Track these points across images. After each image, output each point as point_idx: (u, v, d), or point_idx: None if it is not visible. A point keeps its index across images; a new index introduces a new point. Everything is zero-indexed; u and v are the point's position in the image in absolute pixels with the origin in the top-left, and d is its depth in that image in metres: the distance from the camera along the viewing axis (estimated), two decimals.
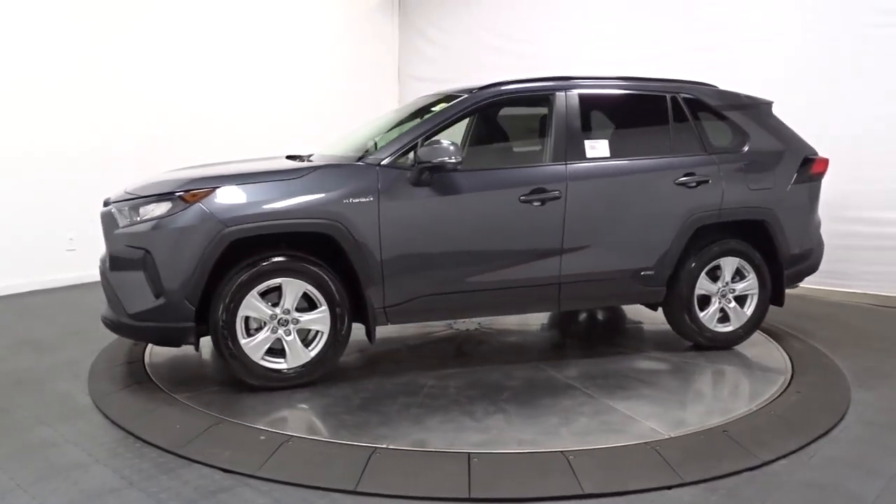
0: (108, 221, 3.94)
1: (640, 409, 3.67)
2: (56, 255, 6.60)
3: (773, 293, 4.73)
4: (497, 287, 4.18)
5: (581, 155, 4.27)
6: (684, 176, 4.42)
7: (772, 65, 6.42)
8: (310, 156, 4.54)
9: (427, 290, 4.07)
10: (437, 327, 5.18)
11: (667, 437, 3.33)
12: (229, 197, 3.75)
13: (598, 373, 4.21)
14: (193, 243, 3.67)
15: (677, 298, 4.53)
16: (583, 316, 5.64)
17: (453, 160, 3.87)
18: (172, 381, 3.99)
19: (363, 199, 3.87)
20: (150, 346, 4.56)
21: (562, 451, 3.14)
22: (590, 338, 5.21)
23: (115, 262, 3.89)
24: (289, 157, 4.58)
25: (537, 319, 5.45)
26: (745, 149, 4.63)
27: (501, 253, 4.17)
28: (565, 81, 4.48)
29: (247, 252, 3.78)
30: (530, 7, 8.24)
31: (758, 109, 4.78)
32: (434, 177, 3.97)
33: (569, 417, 3.55)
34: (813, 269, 4.96)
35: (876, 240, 6.01)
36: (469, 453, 3.11)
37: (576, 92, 4.39)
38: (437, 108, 4.46)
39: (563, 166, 4.23)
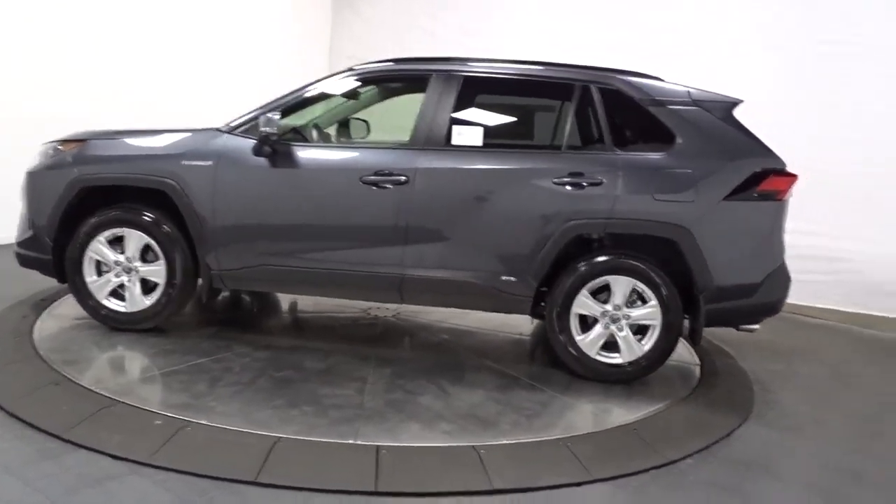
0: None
1: (553, 406, 3.65)
2: None
3: (690, 328, 4.08)
4: (335, 268, 4.06)
5: (443, 141, 4.01)
6: (568, 176, 3.89)
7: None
8: None
9: (262, 261, 4.09)
10: (354, 311, 5.06)
11: (579, 433, 3.32)
12: (92, 149, 4.18)
13: (514, 368, 4.17)
14: (54, 185, 4.14)
15: (550, 315, 4.02)
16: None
17: (269, 130, 3.88)
18: (62, 359, 3.70)
19: (202, 163, 4.04)
20: (38, 320, 4.27)
21: (473, 446, 3.07)
22: (515, 332, 5.16)
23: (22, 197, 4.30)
24: None
25: (461, 314, 5.35)
26: (665, 152, 3.94)
27: (338, 233, 4.05)
28: (453, 63, 4.23)
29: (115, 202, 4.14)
30: None
31: (705, 109, 4.00)
32: (276, 149, 4.02)
33: (482, 412, 3.49)
34: (768, 309, 4.03)
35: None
36: (378, 446, 3.00)
37: (460, 75, 4.13)
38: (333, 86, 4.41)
39: (417, 151, 4.01)
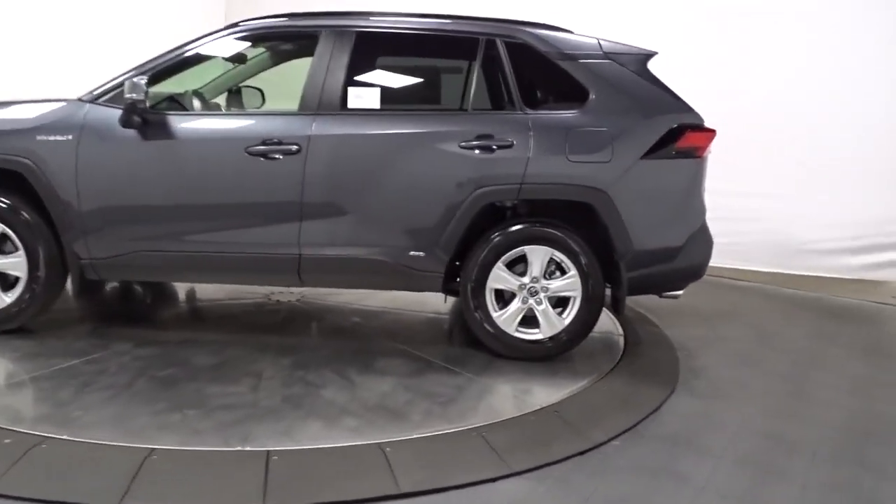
0: None
1: (469, 391, 3.36)
2: None
3: (612, 298, 3.87)
4: (222, 251, 3.65)
5: (339, 105, 3.63)
6: (476, 139, 3.57)
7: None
8: None
9: (137, 247, 3.66)
10: (257, 297, 4.64)
11: (497, 420, 3.03)
12: None
13: (429, 351, 3.85)
14: None
15: (464, 291, 3.72)
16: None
17: (135, 96, 3.43)
18: None
19: (60, 138, 3.55)
20: None
21: (379, 444, 2.74)
22: (431, 311, 4.80)
23: None
24: None
25: (371, 294, 4.96)
26: (578, 110, 3.65)
27: (223, 212, 3.63)
28: (345, 18, 3.83)
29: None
30: None
31: (618, 62, 3.72)
32: (147, 119, 3.58)
33: (392, 403, 3.16)
34: (690, 273, 3.82)
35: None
36: (269, 451, 2.63)
37: (353, 31, 3.72)
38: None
39: (309, 117, 3.60)
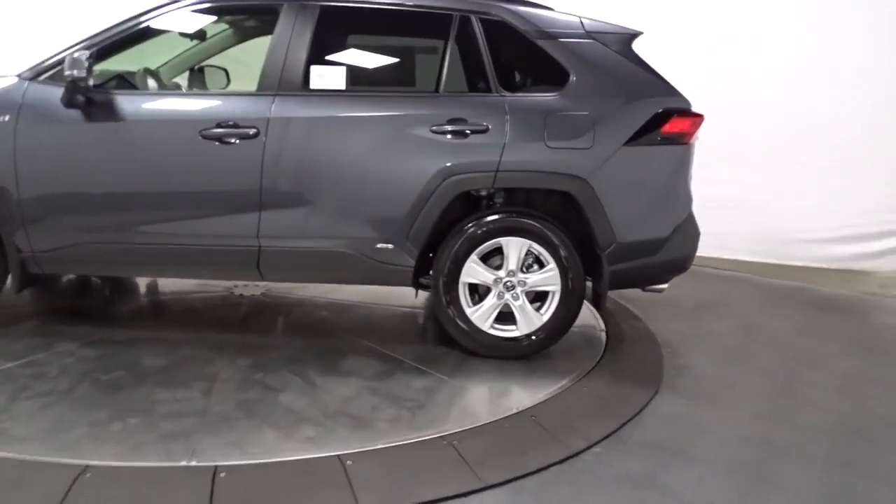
0: None
1: (440, 394, 3.13)
2: None
3: (593, 292, 3.66)
4: (177, 242, 3.39)
5: (300, 85, 3.36)
6: (448, 123, 3.33)
7: None
8: None
9: (83, 238, 3.39)
10: (219, 290, 4.38)
11: (468, 427, 2.80)
12: None
13: (398, 349, 3.61)
14: None
15: (436, 285, 3.49)
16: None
17: (77, 73, 3.14)
18: None
19: None
20: None
21: (338, 456, 2.51)
22: (405, 304, 4.54)
23: None
24: None
25: (342, 287, 4.63)
26: (557, 93, 3.41)
27: (177, 200, 3.36)
28: None
29: None
30: None
31: (601, 42, 3.49)
32: (92, 99, 3.30)
33: (356, 408, 2.92)
34: (676, 266, 3.59)
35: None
36: (217, 466, 2.39)
37: (316, 4, 3.44)
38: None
39: (269, 98, 3.33)
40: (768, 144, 5.99)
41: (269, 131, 3.28)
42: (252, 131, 3.28)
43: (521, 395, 3.16)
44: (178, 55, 4.32)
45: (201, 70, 4.42)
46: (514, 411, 2.97)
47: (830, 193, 5.89)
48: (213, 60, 4.46)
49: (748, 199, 6.03)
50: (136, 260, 3.49)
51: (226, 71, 4.50)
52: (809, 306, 5.14)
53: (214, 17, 3.92)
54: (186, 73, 4.40)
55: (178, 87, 4.27)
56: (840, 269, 5.99)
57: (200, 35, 4.18)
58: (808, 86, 5.87)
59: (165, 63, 4.29)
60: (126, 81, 3.73)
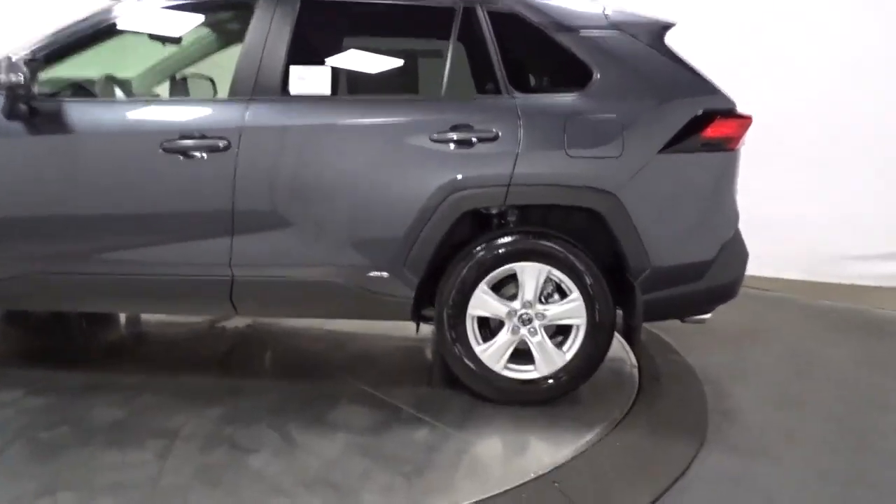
0: None
1: (444, 452, 2.62)
2: None
3: (624, 325, 3.22)
4: (139, 272, 2.94)
5: (278, 90, 2.90)
6: (451, 130, 2.87)
7: None
8: None
9: (33, 268, 2.95)
10: (197, 320, 3.92)
11: (474, 500, 2.28)
12: None
13: (397, 394, 3.11)
14: None
15: (439, 319, 2.99)
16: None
17: (14, 79, 2.70)
18: None
19: None
20: None
21: None
22: (410, 335, 4.03)
23: None
24: None
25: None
26: (579, 93, 2.92)
27: (136, 224, 2.92)
28: None
29: None
30: None
31: (628, 34, 3.01)
32: (36, 109, 2.87)
33: (339, 474, 2.42)
34: (722, 293, 3.07)
35: None
36: None
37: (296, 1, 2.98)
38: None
39: (241, 104, 2.88)
40: (811, 150, 5.41)
41: (241, 143, 2.82)
42: (222, 143, 2.81)
43: (542, 452, 2.65)
44: (156, 63, 3.89)
45: (184, 79, 3.99)
46: (533, 476, 2.45)
47: (883, 204, 5.31)
48: (199, 69, 4.04)
49: (790, 211, 5.46)
50: (94, 293, 3.04)
51: (212, 80, 4.06)
52: (865, 331, 4.57)
53: (186, 16, 3.46)
54: (167, 84, 3.98)
55: (156, 97, 3.83)
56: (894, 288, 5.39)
57: (174, 39, 3.73)
58: (852, 85, 5.31)
59: (141, 73, 3.86)
60: (85, 91, 3.29)
